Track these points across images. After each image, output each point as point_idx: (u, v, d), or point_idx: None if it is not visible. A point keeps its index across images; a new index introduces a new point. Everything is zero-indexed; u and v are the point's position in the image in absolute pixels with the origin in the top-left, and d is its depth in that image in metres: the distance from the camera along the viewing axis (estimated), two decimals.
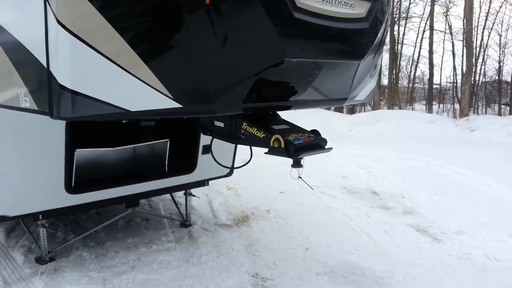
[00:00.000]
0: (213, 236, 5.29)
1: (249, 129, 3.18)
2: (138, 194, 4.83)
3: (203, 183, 5.51)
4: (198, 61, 2.64)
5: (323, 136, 3.45)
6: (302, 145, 3.05)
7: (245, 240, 5.18)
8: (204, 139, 5.04)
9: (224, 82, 2.79)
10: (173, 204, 6.09)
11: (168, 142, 4.90)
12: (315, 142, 3.22)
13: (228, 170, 5.63)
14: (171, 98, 2.58)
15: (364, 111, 28.22)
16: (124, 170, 5.23)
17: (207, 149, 5.17)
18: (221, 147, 4.95)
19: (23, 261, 4.40)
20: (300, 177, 3.42)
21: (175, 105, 2.61)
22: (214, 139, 3.98)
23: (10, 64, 2.98)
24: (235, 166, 4.31)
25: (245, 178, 8.04)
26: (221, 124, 3.44)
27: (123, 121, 4.10)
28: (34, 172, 3.93)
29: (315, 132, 3.36)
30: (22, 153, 3.79)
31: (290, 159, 3.09)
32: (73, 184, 4.25)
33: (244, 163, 4.00)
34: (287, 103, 3.34)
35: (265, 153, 3.15)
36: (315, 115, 16.67)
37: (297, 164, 3.11)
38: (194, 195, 5.71)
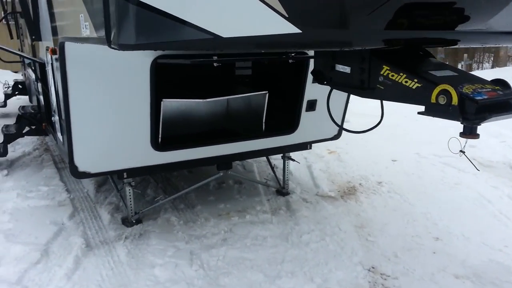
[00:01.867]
0: (314, 210, 4.47)
1: (392, 75, 2.15)
2: (231, 155, 4.15)
3: (305, 146, 4.65)
4: None
5: None
6: (488, 102, 1.95)
7: (355, 219, 4.28)
8: (310, 93, 4.12)
9: None
10: (268, 167, 5.39)
11: (267, 95, 4.06)
12: (506, 99, 2.08)
13: (335, 132, 4.71)
14: (285, 18, 1.70)
15: (482, 69, 24.68)
16: (216, 126, 4.57)
17: (313, 105, 4.27)
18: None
19: (109, 221, 4.04)
20: (463, 152, 2.36)
21: (291, 29, 1.72)
22: (332, 91, 2.99)
23: None
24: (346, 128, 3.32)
25: (348, 140, 7.01)
26: (347, 69, 2.45)
27: (214, 64, 3.32)
28: (116, 125, 3.40)
29: (501, 83, 2.19)
30: (98, 102, 3.24)
31: (459, 123, 2.01)
32: (160, 140, 3.69)
33: (373, 125, 3.00)
34: (452, 34, 2.22)
35: (420, 113, 2.12)
36: None
37: (470, 132, 2.02)
38: (293, 160, 4.89)
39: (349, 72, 2.44)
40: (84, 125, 3.29)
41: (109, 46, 1.73)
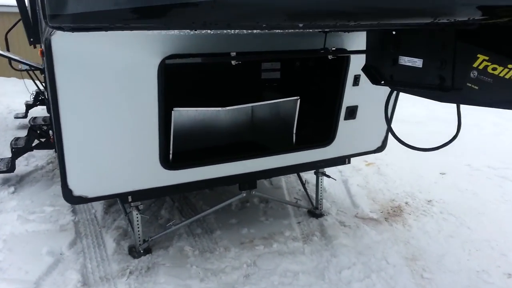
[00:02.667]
0: (355, 236, 3.79)
1: (494, 68, 1.47)
2: (256, 173, 3.53)
3: (343, 160, 3.98)
4: None
5: None
6: None
7: (404, 249, 3.56)
8: (350, 97, 3.45)
9: None
10: (299, 182, 4.74)
11: (298, 101, 3.43)
12: None
13: (379, 144, 4.04)
14: None
15: None
16: (238, 138, 3.97)
17: (353, 112, 3.60)
18: (369, 108, 3.39)
19: (114, 251, 3.49)
20: None
21: None
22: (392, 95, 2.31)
23: None
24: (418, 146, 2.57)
25: (387, 150, 6.25)
26: (417, 62, 1.78)
27: (233, 63, 2.72)
28: (117, 139, 2.85)
29: None
30: (96, 112, 2.69)
31: None
32: (170, 156, 3.11)
33: (447, 140, 2.31)
34: None
35: None
36: None
37: None
38: (328, 176, 4.22)
39: (421, 66, 1.76)
40: (78, 140, 2.75)
41: (46, 24, 1.17)
